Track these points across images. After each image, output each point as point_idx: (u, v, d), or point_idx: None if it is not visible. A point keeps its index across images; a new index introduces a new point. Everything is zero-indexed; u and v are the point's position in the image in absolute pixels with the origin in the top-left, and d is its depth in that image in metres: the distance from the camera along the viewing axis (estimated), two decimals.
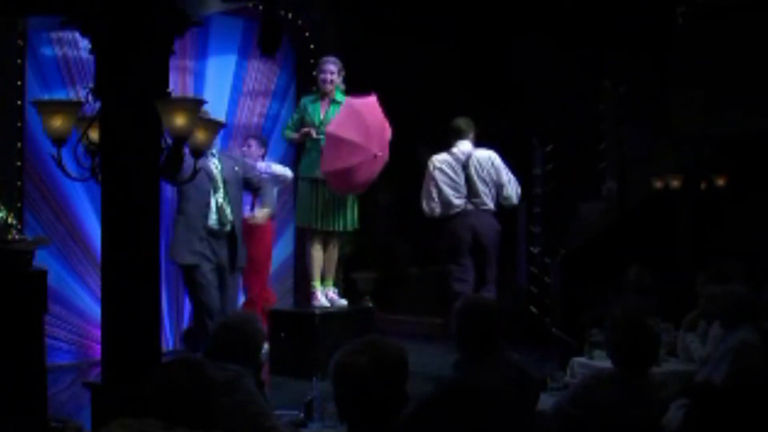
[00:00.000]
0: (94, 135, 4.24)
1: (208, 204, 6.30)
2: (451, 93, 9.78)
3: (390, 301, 9.31)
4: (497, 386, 3.44)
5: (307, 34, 8.47)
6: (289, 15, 8.27)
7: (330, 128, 6.55)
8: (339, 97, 6.81)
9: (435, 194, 6.66)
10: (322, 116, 6.77)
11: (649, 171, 9.32)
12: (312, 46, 8.45)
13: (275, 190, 7.32)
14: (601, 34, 9.10)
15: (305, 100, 6.97)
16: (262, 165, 7.51)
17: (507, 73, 9.89)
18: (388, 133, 6.71)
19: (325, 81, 6.78)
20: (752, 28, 8.55)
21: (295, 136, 6.87)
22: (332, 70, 6.78)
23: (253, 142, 7.73)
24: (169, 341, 7.68)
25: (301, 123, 6.87)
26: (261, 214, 6.92)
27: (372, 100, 6.68)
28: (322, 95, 6.83)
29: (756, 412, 3.44)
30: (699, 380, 4.66)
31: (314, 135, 6.72)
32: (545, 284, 8.76)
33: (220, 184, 6.39)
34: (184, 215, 6.30)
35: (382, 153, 6.62)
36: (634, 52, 9.00)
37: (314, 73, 7.07)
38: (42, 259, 5.56)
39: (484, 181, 6.63)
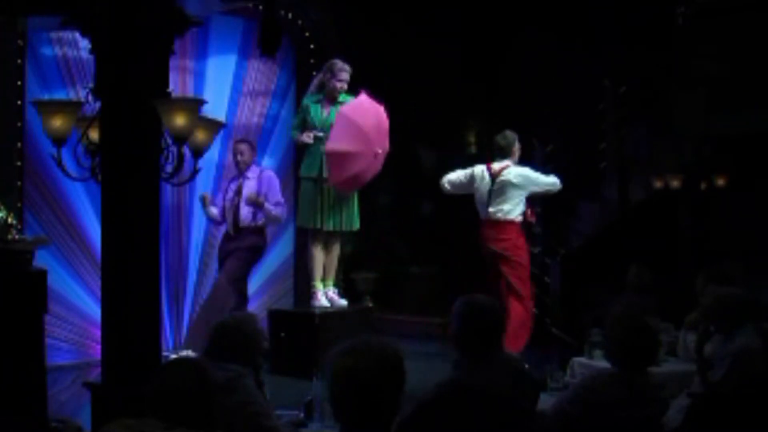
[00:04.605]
0: (94, 135, 4.25)
1: None
2: (452, 92, 9.78)
3: (390, 301, 9.31)
4: (497, 386, 3.44)
5: (307, 34, 8.46)
6: (289, 15, 8.26)
7: (328, 146, 6.59)
8: (341, 97, 6.81)
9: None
10: (324, 116, 6.78)
11: (649, 171, 9.31)
12: (312, 46, 8.44)
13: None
14: (602, 33, 9.09)
15: (308, 101, 6.95)
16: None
17: (507, 73, 9.89)
18: (385, 123, 6.74)
19: (340, 88, 6.77)
20: (752, 28, 8.54)
21: (305, 139, 6.87)
22: (347, 79, 6.78)
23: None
24: (169, 341, 7.67)
25: (304, 123, 6.90)
26: None
27: (360, 100, 6.69)
28: (325, 97, 6.84)
29: (758, 415, 3.44)
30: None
31: (311, 140, 6.73)
32: (545, 284, 8.75)
33: None
34: None
35: (383, 150, 6.72)
36: (634, 52, 8.99)
37: (317, 74, 7.03)
38: (42, 259, 5.55)
39: None
